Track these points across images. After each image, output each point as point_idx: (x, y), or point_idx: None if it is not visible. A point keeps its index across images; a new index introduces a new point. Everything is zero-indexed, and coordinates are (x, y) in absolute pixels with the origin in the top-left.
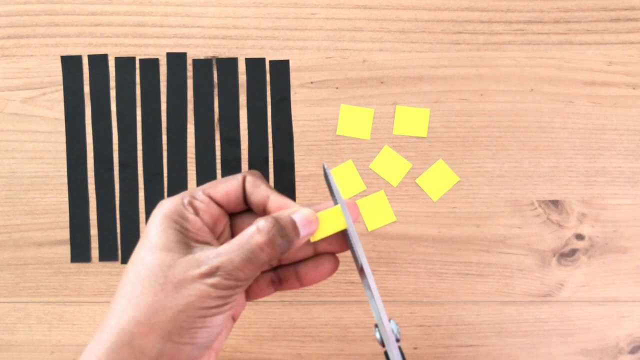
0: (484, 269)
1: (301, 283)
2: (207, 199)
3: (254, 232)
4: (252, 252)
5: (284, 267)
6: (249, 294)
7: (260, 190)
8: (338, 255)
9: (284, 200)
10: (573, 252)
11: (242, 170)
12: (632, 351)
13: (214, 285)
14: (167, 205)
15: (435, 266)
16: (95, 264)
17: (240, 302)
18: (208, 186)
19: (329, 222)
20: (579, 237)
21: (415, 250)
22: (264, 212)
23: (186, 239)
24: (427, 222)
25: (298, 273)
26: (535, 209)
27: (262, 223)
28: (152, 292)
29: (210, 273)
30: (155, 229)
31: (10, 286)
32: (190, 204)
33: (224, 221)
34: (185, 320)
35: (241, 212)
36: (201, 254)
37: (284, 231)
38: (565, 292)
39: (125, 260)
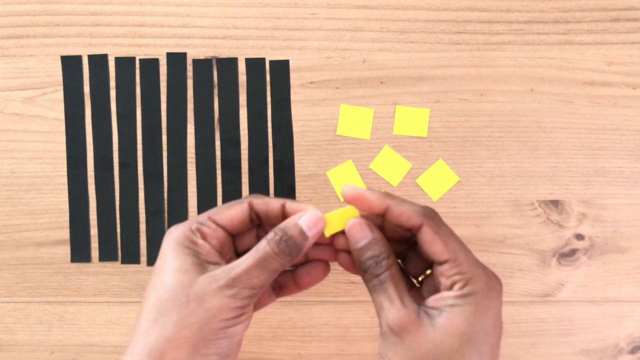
0: None
1: (298, 287)
2: (213, 225)
3: (265, 244)
4: (265, 261)
5: (282, 274)
6: (255, 305)
7: (273, 205)
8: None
9: (298, 205)
10: (573, 252)
11: (242, 171)
12: (632, 351)
13: (232, 296)
14: (176, 233)
15: None
16: (95, 264)
17: (251, 313)
18: (214, 212)
19: (342, 218)
20: (579, 237)
21: None
22: (282, 220)
23: (199, 261)
24: None
25: (295, 278)
26: (535, 209)
27: (271, 235)
28: (176, 310)
29: (229, 285)
30: (169, 255)
31: (10, 286)
32: (198, 230)
33: (229, 243)
34: (209, 333)
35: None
36: (217, 270)
37: (291, 239)
38: (565, 292)
39: (125, 260)
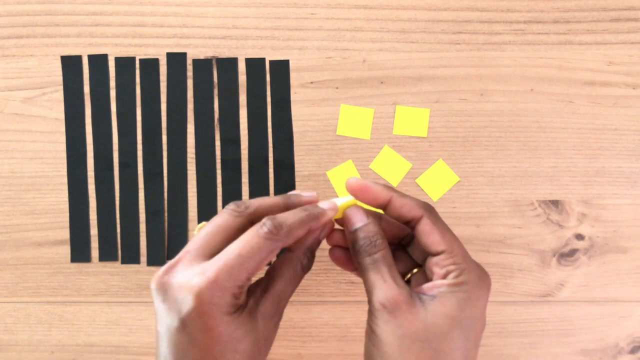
0: None
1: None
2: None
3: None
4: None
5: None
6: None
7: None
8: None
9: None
10: (573, 252)
11: (242, 171)
12: (632, 351)
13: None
14: (217, 300)
15: None
16: (95, 264)
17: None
18: (250, 267)
19: (341, 208)
20: (579, 237)
21: None
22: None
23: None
24: None
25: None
26: (535, 209)
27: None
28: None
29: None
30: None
31: (10, 286)
32: (241, 288)
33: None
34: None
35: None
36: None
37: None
38: (565, 292)
39: (125, 260)
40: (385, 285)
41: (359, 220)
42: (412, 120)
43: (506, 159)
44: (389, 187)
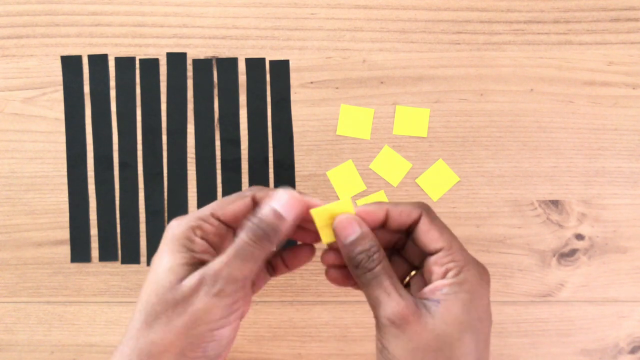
0: None
1: (288, 268)
2: (216, 222)
3: (242, 234)
4: (244, 251)
5: (273, 256)
6: (254, 286)
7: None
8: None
9: (306, 197)
10: (573, 252)
11: (242, 171)
12: (632, 351)
13: (217, 294)
14: (176, 229)
15: None
16: (95, 264)
17: (247, 300)
18: (217, 208)
19: (334, 213)
20: (579, 237)
21: None
22: None
23: (192, 260)
24: None
25: (284, 260)
26: (535, 209)
27: (247, 223)
28: (164, 314)
29: (211, 282)
30: (165, 253)
31: (10, 286)
32: (199, 227)
33: (230, 237)
34: (196, 337)
35: None
36: (200, 270)
37: (265, 223)
38: (565, 292)
39: (125, 260)
40: (389, 299)
41: (351, 233)
42: (412, 120)
43: (506, 159)
44: (379, 202)
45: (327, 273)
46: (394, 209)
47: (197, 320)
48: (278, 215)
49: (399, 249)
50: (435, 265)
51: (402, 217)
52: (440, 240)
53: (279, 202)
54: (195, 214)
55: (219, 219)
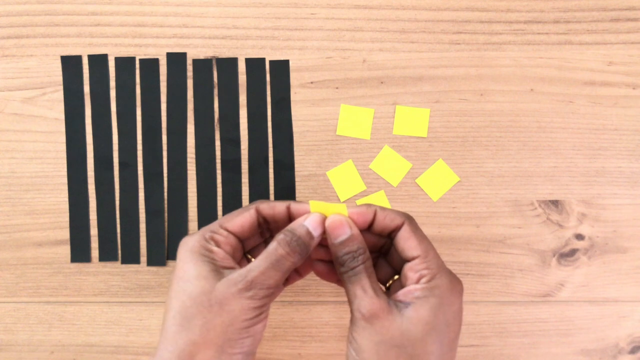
0: (484, 269)
1: (300, 276)
2: (225, 232)
3: (276, 246)
4: (278, 262)
5: None
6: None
7: (278, 208)
8: None
9: (301, 205)
10: (573, 252)
11: (242, 171)
12: (632, 351)
13: (251, 297)
14: (191, 242)
15: None
16: (95, 264)
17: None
18: (224, 220)
19: (328, 212)
20: (579, 237)
21: None
22: (289, 221)
23: (216, 267)
24: (427, 222)
25: (296, 269)
26: (535, 209)
27: (281, 237)
28: (200, 315)
29: (247, 288)
30: (188, 264)
31: (10, 286)
32: (212, 238)
33: (240, 247)
34: (233, 333)
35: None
36: (234, 275)
37: (300, 239)
38: (565, 292)
39: (125, 260)
40: (365, 295)
41: (341, 234)
42: (412, 120)
43: (506, 159)
44: (368, 204)
45: (314, 266)
46: (381, 212)
47: (234, 319)
48: (310, 235)
49: (385, 253)
50: (411, 271)
51: (386, 221)
52: (418, 248)
53: (312, 223)
54: (204, 228)
55: (227, 230)
